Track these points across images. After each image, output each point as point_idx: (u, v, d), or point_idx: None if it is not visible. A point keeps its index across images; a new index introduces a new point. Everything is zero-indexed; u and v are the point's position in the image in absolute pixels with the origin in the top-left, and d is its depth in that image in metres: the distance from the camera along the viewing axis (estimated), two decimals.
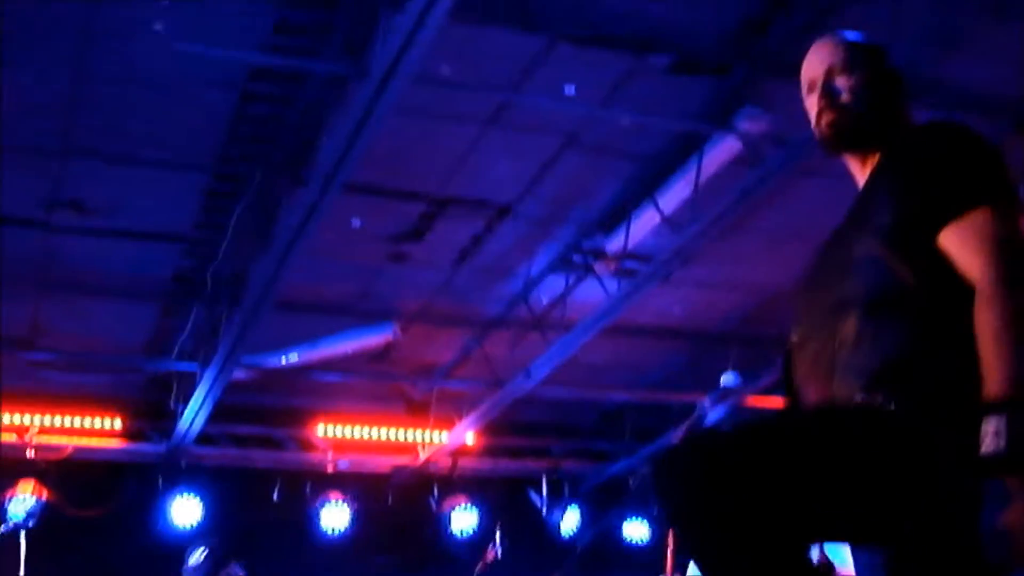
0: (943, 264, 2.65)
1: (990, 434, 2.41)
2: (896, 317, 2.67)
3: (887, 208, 2.75)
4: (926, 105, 7.76)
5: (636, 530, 14.30)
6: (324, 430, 13.27)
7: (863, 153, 3.00)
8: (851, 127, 2.97)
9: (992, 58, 7.70)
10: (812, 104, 3.04)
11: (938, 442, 2.53)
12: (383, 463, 13.71)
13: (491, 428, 13.40)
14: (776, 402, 3.03)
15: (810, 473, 2.54)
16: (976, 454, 2.43)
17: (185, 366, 11.37)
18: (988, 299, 2.53)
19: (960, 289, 2.61)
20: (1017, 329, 2.49)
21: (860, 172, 3.02)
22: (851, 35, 3.11)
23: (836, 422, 2.68)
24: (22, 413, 11.88)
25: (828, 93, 2.99)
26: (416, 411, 13.43)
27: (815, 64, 3.05)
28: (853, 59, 3.00)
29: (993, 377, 2.46)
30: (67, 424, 12.21)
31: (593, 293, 10.49)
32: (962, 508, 2.48)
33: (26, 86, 7.60)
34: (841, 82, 2.98)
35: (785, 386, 3.01)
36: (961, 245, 2.63)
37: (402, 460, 13.68)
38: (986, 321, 2.52)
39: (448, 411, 13.01)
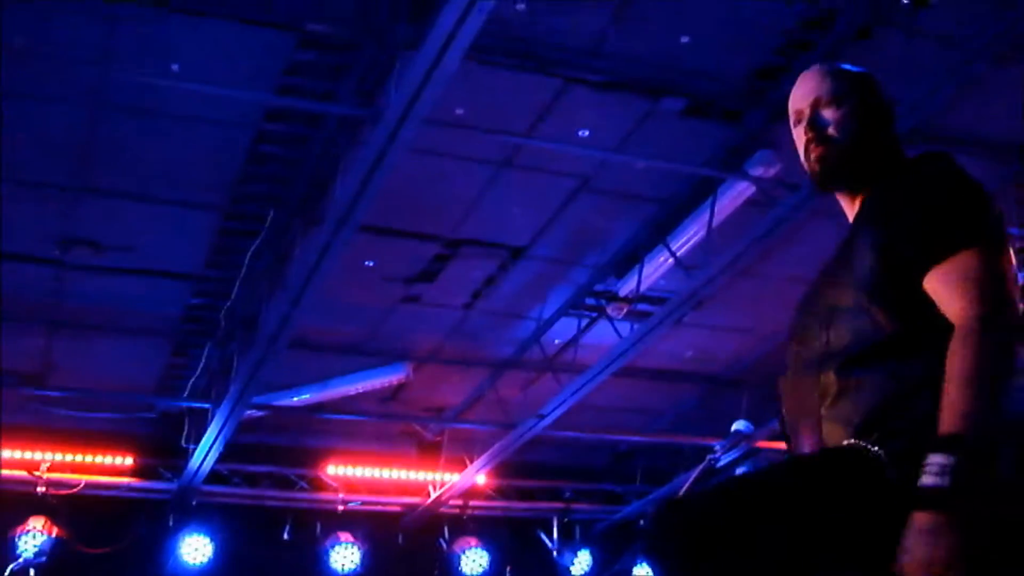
0: (927, 310, 2.61)
1: (936, 468, 2.38)
2: (878, 367, 2.63)
3: (871, 254, 2.69)
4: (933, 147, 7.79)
5: (648, 574, 14.21)
6: (335, 470, 13.26)
7: (852, 189, 2.93)
8: (839, 162, 2.88)
9: (1000, 101, 7.71)
10: (799, 136, 2.95)
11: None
12: (394, 503, 13.68)
13: (502, 469, 13.38)
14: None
15: (801, 527, 2.51)
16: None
17: (197, 404, 11.38)
18: (963, 338, 2.49)
19: (944, 335, 2.55)
20: (987, 372, 2.45)
21: (850, 208, 2.96)
22: (840, 64, 3.01)
23: (820, 472, 2.64)
24: (33, 449, 11.88)
25: (815, 126, 2.89)
26: (427, 452, 13.42)
27: (802, 95, 2.95)
28: (840, 89, 2.90)
29: (952, 413, 2.41)
30: (78, 461, 12.21)
31: (605, 336, 10.49)
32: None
33: (41, 123, 7.65)
34: (828, 114, 2.89)
35: (783, 432, 3.00)
36: (944, 287, 2.58)
37: (413, 500, 13.65)
38: (958, 358, 2.47)
39: (459, 452, 12.99)
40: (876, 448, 2.57)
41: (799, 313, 2.92)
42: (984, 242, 2.61)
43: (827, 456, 2.69)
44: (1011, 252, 2.69)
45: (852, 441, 2.62)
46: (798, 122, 2.96)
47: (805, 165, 2.96)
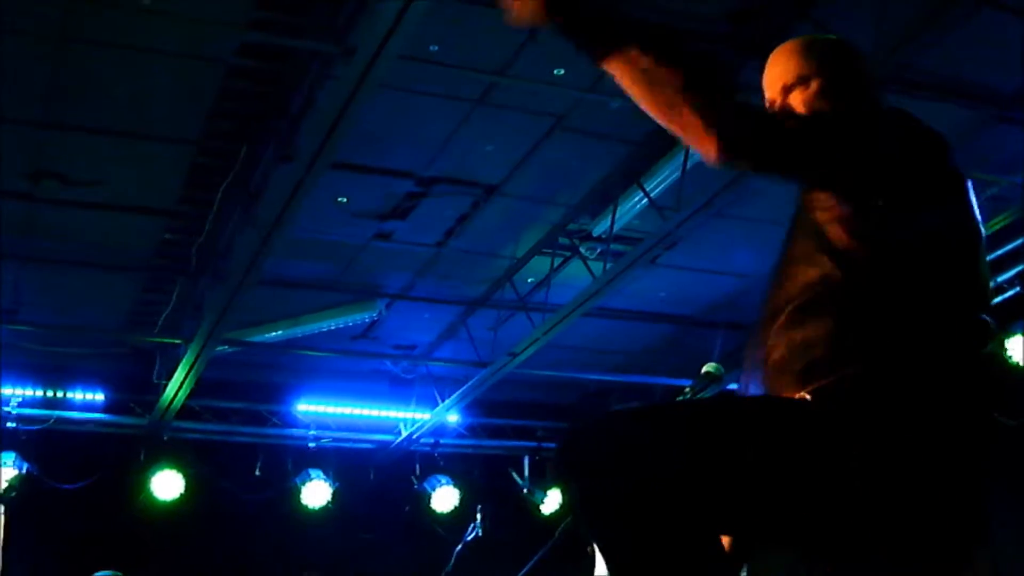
0: (870, 254, 2.61)
1: None
2: (821, 314, 2.61)
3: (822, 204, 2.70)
4: (910, 94, 7.77)
5: None
6: (307, 407, 13.28)
7: None
8: None
9: (976, 47, 7.68)
10: None
11: (848, 439, 2.49)
12: (365, 440, 13.73)
13: (474, 408, 13.43)
14: None
15: (714, 461, 2.47)
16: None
17: (168, 340, 11.35)
18: None
19: (886, 279, 2.58)
20: None
21: None
22: (808, 39, 2.99)
23: (746, 411, 2.63)
24: (2, 385, 11.83)
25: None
26: (399, 389, 13.44)
27: (770, 81, 2.95)
28: (807, 68, 2.88)
29: None
30: (48, 396, 12.19)
31: (578, 275, 10.48)
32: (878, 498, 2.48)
33: (10, 56, 7.55)
34: (796, 99, 2.87)
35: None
36: None
37: (384, 438, 13.70)
38: None
39: (431, 390, 13.02)
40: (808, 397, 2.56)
41: (771, 272, 2.92)
42: None
43: (755, 402, 2.69)
44: None
45: (801, 395, 2.58)
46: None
47: None
